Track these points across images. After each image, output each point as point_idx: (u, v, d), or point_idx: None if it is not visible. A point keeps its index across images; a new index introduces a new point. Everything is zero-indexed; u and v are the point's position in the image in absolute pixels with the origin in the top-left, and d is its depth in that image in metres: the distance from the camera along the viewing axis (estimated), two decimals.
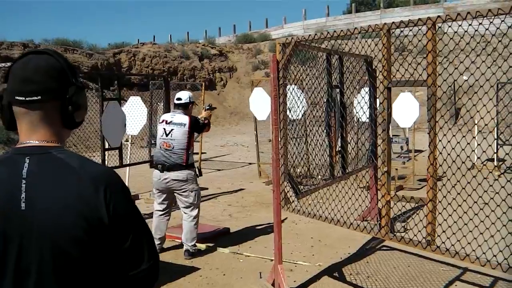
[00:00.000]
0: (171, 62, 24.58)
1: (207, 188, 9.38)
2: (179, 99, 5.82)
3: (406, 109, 8.42)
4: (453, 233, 3.28)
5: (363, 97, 5.59)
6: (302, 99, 6.31)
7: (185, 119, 5.65)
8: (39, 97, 1.41)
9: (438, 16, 3.36)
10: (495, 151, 10.09)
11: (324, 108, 5.42)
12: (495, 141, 10.46)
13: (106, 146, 6.25)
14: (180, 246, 5.83)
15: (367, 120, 5.94)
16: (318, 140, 5.11)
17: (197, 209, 5.68)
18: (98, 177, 1.41)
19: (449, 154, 3.30)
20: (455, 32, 3.21)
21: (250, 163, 12.89)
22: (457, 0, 27.39)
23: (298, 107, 5.32)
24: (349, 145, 5.58)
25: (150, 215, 5.74)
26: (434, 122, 3.43)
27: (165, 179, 5.53)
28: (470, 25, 2.99)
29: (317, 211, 4.43)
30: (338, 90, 5.37)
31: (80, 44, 22.19)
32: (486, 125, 4.90)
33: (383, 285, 4.76)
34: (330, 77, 5.08)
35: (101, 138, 6.26)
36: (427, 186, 3.54)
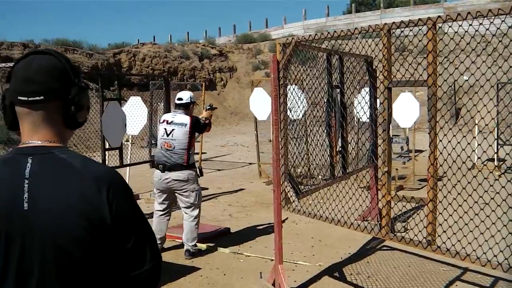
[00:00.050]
0: (171, 62, 24.59)
1: (207, 188, 9.38)
2: (180, 99, 5.82)
3: (407, 109, 8.42)
4: (454, 233, 3.29)
5: (363, 97, 5.59)
6: (303, 99, 6.31)
7: (186, 119, 5.66)
8: (42, 97, 1.41)
9: (439, 16, 3.36)
10: (496, 151, 10.09)
11: (324, 108, 5.43)
12: (496, 141, 10.46)
13: (107, 146, 6.25)
14: (181, 246, 5.83)
15: (368, 120, 5.95)
16: (318, 140, 5.11)
17: (198, 209, 5.68)
18: (100, 177, 1.41)
19: (449, 154, 3.30)
20: (456, 32, 3.21)
21: (250, 163, 12.89)
22: (457, 0, 27.39)
23: (299, 107, 5.33)
24: (349, 145, 5.58)
25: (151, 215, 5.74)
26: (435, 122, 3.43)
27: (166, 179, 5.53)
28: (470, 25, 2.99)
29: (318, 211, 4.43)
30: (338, 90, 5.37)
31: (80, 44, 22.20)
32: (486, 125, 4.91)
33: (383, 285, 4.76)
34: (331, 77, 5.09)
35: (102, 138, 6.27)
36: (427, 186, 3.54)
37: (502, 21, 2.90)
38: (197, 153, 10.35)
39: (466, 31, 3.18)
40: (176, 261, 5.52)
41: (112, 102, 6.30)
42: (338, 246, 5.95)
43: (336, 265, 5.34)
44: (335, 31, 4.21)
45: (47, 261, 1.35)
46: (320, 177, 6.00)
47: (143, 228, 1.50)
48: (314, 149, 5.13)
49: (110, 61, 21.97)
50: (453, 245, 3.31)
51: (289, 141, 4.74)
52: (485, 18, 3.01)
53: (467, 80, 3.60)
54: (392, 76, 3.78)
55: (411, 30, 3.49)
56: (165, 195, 5.68)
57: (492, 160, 10.54)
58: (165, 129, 5.66)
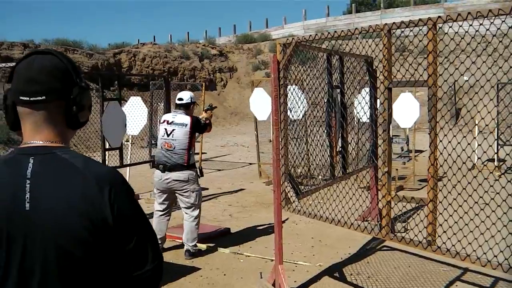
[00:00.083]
0: (171, 62, 24.59)
1: (207, 188, 9.38)
2: (180, 99, 5.82)
3: (407, 109, 8.43)
4: (454, 234, 3.29)
5: (363, 98, 5.59)
6: (303, 100, 6.31)
7: (186, 119, 5.66)
8: (44, 97, 1.40)
9: (439, 17, 3.36)
10: (496, 151, 10.09)
11: (324, 109, 5.43)
12: (496, 141, 10.46)
13: (107, 146, 6.26)
14: (181, 246, 5.83)
15: (368, 121, 5.95)
16: (318, 141, 5.11)
17: (198, 210, 5.68)
18: (102, 177, 1.41)
19: (449, 155, 3.30)
20: (456, 32, 3.21)
21: (250, 163, 12.90)
22: (457, 0, 27.39)
23: (299, 107, 5.33)
24: (349, 145, 5.58)
25: (151, 215, 5.74)
26: (435, 123, 3.43)
27: (167, 179, 5.53)
28: (470, 25, 2.99)
29: (318, 211, 4.43)
30: (338, 90, 5.37)
31: (80, 44, 22.21)
32: (486, 125, 4.90)
33: (383, 285, 4.76)
34: (331, 78, 5.09)
35: (102, 138, 6.27)
36: (427, 186, 3.54)
37: (503, 21, 2.90)
38: (197, 153, 10.35)
39: (466, 32, 3.18)
40: (176, 261, 5.53)
41: (112, 102, 6.31)
42: (338, 246, 5.95)
43: (336, 265, 5.34)
44: (335, 31, 4.21)
45: (48, 261, 1.35)
46: (320, 177, 6.00)
47: (144, 229, 1.50)
48: (314, 149, 5.13)
49: (110, 61, 21.97)
50: (453, 245, 3.31)
51: (289, 141, 4.74)
52: (486, 18, 3.01)
53: (467, 80, 3.60)
54: (392, 77, 3.78)
55: (411, 31, 3.50)
56: (165, 195, 5.68)
57: (492, 160, 10.54)
58: (166, 129, 5.66)
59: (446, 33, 3.18)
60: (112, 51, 23.15)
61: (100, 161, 6.01)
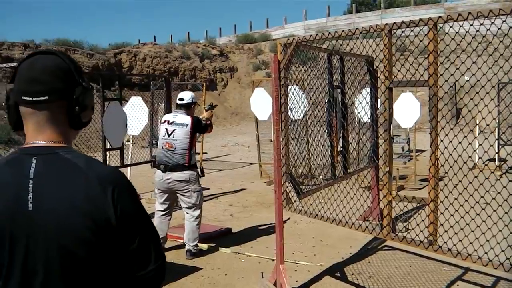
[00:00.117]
0: (172, 62, 24.59)
1: (208, 188, 9.39)
2: (181, 99, 5.82)
3: (407, 109, 8.43)
4: (455, 233, 3.29)
5: (364, 97, 5.59)
6: (304, 99, 6.31)
7: (187, 119, 5.66)
8: (46, 97, 1.40)
9: (440, 17, 3.36)
10: (497, 151, 10.09)
11: (325, 109, 5.43)
12: (497, 141, 10.46)
13: (108, 146, 6.26)
14: (182, 246, 5.84)
15: (369, 120, 5.95)
16: (319, 140, 5.11)
17: (199, 210, 5.69)
18: (105, 177, 1.41)
19: (450, 154, 3.30)
20: (457, 32, 3.22)
21: (251, 163, 12.90)
22: (458, 0, 27.38)
23: (300, 107, 5.33)
24: (350, 145, 5.58)
25: (152, 215, 5.74)
26: (436, 122, 3.44)
27: (168, 179, 5.53)
28: (471, 25, 3.00)
29: (319, 211, 4.44)
30: (339, 90, 5.38)
31: (80, 44, 22.21)
32: (487, 125, 4.92)
33: (385, 285, 4.77)
34: (332, 77, 5.09)
35: (103, 138, 6.27)
36: (429, 186, 3.54)
37: (503, 21, 2.90)
38: (198, 153, 10.36)
39: (467, 31, 3.19)
40: (177, 261, 5.53)
41: (113, 102, 6.31)
42: (339, 246, 5.95)
43: (337, 265, 5.34)
44: (336, 31, 4.22)
45: (51, 261, 1.35)
46: (321, 177, 6.00)
47: (147, 229, 1.50)
48: (315, 149, 5.14)
49: (111, 61, 21.97)
50: (454, 245, 3.32)
51: (290, 141, 4.75)
52: (486, 18, 3.01)
53: (468, 80, 3.61)
54: (393, 76, 3.79)
55: (412, 30, 3.50)
56: (166, 195, 5.68)
57: (493, 160, 10.53)
58: (166, 129, 5.67)
59: (447, 33, 3.19)
60: (113, 51, 23.15)
61: (101, 161, 6.02)
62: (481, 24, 3.00)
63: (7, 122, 1.49)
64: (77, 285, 1.38)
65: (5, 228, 1.35)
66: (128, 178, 1.53)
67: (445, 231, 3.36)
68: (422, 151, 12.83)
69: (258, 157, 11.24)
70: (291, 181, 4.55)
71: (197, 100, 6.07)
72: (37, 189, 1.37)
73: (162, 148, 5.64)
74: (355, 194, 4.29)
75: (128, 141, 9.62)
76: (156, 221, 5.68)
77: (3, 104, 1.52)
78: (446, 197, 3.36)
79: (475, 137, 9.89)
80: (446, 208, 3.34)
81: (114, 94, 15.33)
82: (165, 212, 5.71)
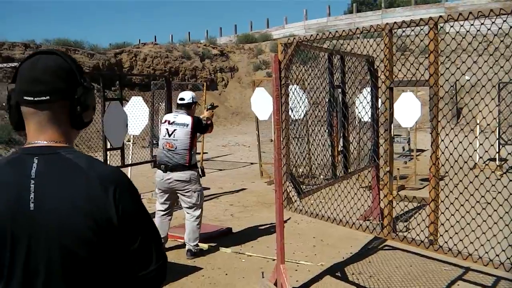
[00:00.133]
0: (173, 62, 24.59)
1: (209, 188, 9.39)
2: (182, 99, 5.82)
3: (408, 109, 8.43)
4: (456, 233, 3.29)
5: (365, 97, 5.59)
6: (304, 99, 6.32)
7: (187, 119, 5.66)
8: (48, 97, 1.41)
9: (440, 16, 3.36)
10: (497, 150, 10.09)
11: (326, 108, 5.43)
12: (497, 140, 10.46)
13: (108, 146, 6.26)
14: (183, 246, 5.84)
15: (369, 120, 5.95)
16: (320, 140, 5.11)
17: (200, 209, 5.69)
18: (107, 177, 1.41)
19: (451, 154, 3.30)
20: (457, 32, 3.21)
21: (251, 163, 12.90)
22: (458, 0, 27.36)
23: (300, 107, 5.34)
24: (351, 145, 5.58)
25: (152, 215, 5.74)
26: (436, 122, 3.44)
27: (168, 179, 5.54)
28: (472, 25, 3.00)
29: (319, 211, 4.44)
30: (340, 90, 5.38)
31: (81, 44, 22.21)
32: (488, 124, 4.91)
33: (385, 284, 4.76)
34: (332, 77, 5.09)
35: (103, 138, 6.28)
36: (429, 185, 3.54)
37: (504, 20, 2.90)
38: (199, 153, 10.36)
39: (467, 31, 3.19)
40: (178, 261, 5.53)
41: (114, 102, 6.31)
42: (340, 246, 5.95)
43: (338, 264, 5.35)
44: (336, 31, 4.22)
45: (53, 262, 1.35)
46: (321, 177, 6.00)
47: (149, 229, 1.50)
48: (315, 149, 5.14)
49: (111, 61, 21.97)
50: (455, 244, 3.32)
51: (290, 141, 4.75)
52: (487, 18, 3.01)
53: (468, 79, 3.61)
54: (393, 76, 3.79)
55: (412, 30, 3.50)
56: (167, 195, 5.68)
57: (493, 159, 10.53)
58: (167, 129, 5.67)
59: (448, 32, 3.18)
60: (113, 51, 23.15)
61: (103, 161, 6.03)
62: (482, 23, 3.00)
63: (8, 122, 1.50)
64: (78, 285, 1.38)
65: (7, 228, 1.35)
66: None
67: (446, 231, 3.36)
68: (422, 150, 12.83)
69: (259, 157, 11.24)
70: (292, 180, 4.55)
71: (197, 100, 6.07)
72: (38, 189, 1.37)
73: (163, 148, 5.64)
74: (355, 193, 4.29)
75: (129, 141, 9.62)
76: (156, 221, 5.68)
77: (4, 104, 1.52)
78: (446, 196, 3.36)
79: (476, 137, 9.90)
80: (446, 208, 3.34)
81: (115, 94, 15.34)
82: (165, 212, 5.71)
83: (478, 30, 3.12)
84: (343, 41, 4.42)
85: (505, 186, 3.02)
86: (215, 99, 22.26)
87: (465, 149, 3.19)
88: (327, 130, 5.39)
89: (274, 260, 5.11)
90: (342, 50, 5.48)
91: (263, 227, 6.87)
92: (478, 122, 10.33)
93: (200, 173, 5.95)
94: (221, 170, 12.24)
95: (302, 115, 6.98)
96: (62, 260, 1.35)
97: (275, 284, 4.53)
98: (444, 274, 4.93)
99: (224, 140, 18.35)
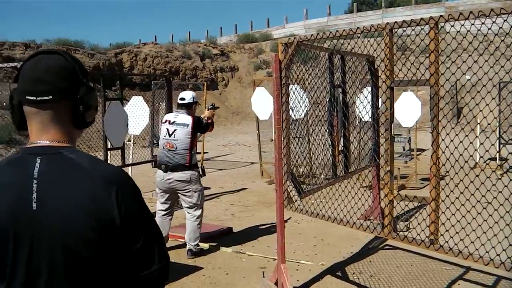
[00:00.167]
0: (173, 62, 24.59)
1: (209, 188, 9.39)
2: (182, 99, 5.82)
3: (408, 108, 8.43)
4: (456, 232, 3.29)
5: (365, 97, 5.59)
6: (305, 99, 6.32)
7: (188, 119, 5.66)
8: (50, 97, 1.40)
9: (441, 16, 3.36)
10: (498, 150, 10.09)
11: (326, 108, 5.43)
12: (498, 140, 10.46)
13: (109, 146, 6.27)
14: (183, 245, 5.84)
15: (370, 120, 5.95)
16: (320, 140, 5.11)
17: (200, 209, 5.69)
18: (110, 177, 1.41)
19: (451, 153, 3.30)
20: (458, 31, 3.21)
21: (252, 163, 12.90)
22: None
23: (301, 106, 5.34)
24: (351, 144, 5.58)
25: (153, 215, 5.74)
26: (437, 121, 3.44)
27: (169, 179, 5.54)
28: (472, 24, 2.99)
29: (320, 210, 4.44)
30: (340, 89, 5.38)
31: (81, 44, 22.21)
32: (489, 124, 4.92)
33: (386, 284, 4.77)
34: (333, 77, 5.09)
35: (104, 138, 6.28)
36: (430, 185, 3.54)
37: (505, 20, 2.90)
38: (199, 153, 10.35)
39: (468, 31, 3.18)
40: (178, 260, 5.53)
41: (114, 102, 6.31)
42: (341, 245, 5.95)
43: (339, 264, 5.35)
44: (337, 31, 4.22)
45: (55, 261, 1.35)
46: (322, 176, 6.00)
47: (152, 229, 1.50)
48: (316, 149, 5.14)
49: (112, 61, 21.98)
50: (455, 244, 3.32)
51: (291, 141, 4.75)
52: (487, 17, 3.01)
53: (469, 79, 3.60)
54: (394, 76, 3.78)
55: (413, 30, 3.49)
56: (167, 195, 5.68)
57: (494, 159, 10.53)
58: (167, 129, 5.67)
59: (448, 32, 3.18)
60: (114, 51, 23.15)
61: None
62: (483, 23, 3.00)
63: (8, 122, 1.50)
64: (81, 285, 1.38)
65: (9, 228, 1.35)
66: None
67: (446, 230, 3.36)
68: (423, 150, 12.82)
69: (259, 157, 11.24)
70: (292, 180, 4.55)
71: (198, 100, 6.07)
72: (41, 189, 1.37)
73: (163, 148, 5.64)
74: (356, 193, 4.29)
75: (129, 140, 9.62)
76: (157, 220, 5.66)
77: (4, 104, 1.52)
78: (447, 196, 3.36)
79: (476, 136, 9.89)
80: (447, 207, 3.34)
81: (115, 94, 15.34)
82: (166, 211, 5.72)
83: (478, 30, 3.12)
84: (344, 40, 4.41)
85: (505, 186, 3.03)
86: (216, 99, 22.27)
87: (465, 149, 3.19)
88: (327, 130, 5.39)
89: (274, 259, 5.11)
90: (342, 49, 5.48)
91: (263, 227, 6.87)
92: (478, 121, 10.33)
93: (201, 173, 5.95)
94: (221, 169, 12.24)
95: (303, 114, 6.98)
96: (64, 260, 1.35)
97: (276, 283, 4.53)
98: (444, 274, 4.93)
99: (225, 139, 18.35)
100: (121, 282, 1.45)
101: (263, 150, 11.31)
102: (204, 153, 12.04)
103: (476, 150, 9.55)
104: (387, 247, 5.82)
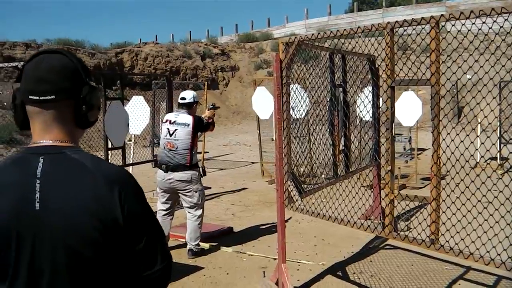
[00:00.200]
0: (174, 61, 24.58)
1: (210, 188, 9.40)
2: (183, 98, 5.82)
3: (409, 108, 8.41)
4: (457, 232, 3.29)
5: (366, 96, 5.58)
6: (305, 98, 6.31)
7: (188, 119, 5.66)
8: (53, 97, 1.41)
9: (442, 15, 3.36)
10: (499, 149, 10.08)
11: (327, 107, 5.42)
12: (498, 139, 10.46)
13: (109, 146, 6.26)
14: (184, 245, 5.84)
15: (371, 119, 5.94)
16: (321, 139, 5.11)
17: (201, 209, 5.69)
18: (112, 177, 1.41)
19: (452, 153, 3.30)
20: (459, 31, 3.21)
21: (252, 162, 12.90)
22: None
23: (301, 106, 5.33)
24: (352, 144, 5.58)
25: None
26: (438, 121, 3.43)
27: (169, 179, 5.54)
28: (473, 24, 2.99)
29: (321, 210, 4.44)
30: (341, 89, 5.37)
31: (82, 44, 22.21)
32: (489, 123, 4.91)
33: (386, 284, 4.76)
34: (333, 76, 5.09)
35: (104, 137, 6.28)
36: (430, 184, 3.54)
37: (505, 19, 2.90)
38: (200, 153, 10.35)
39: (469, 30, 3.19)
40: (179, 260, 5.53)
41: (115, 102, 6.31)
42: (341, 245, 5.95)
43: (339, 264, 5.35)
44: (337, 30, 4.22)
45: (58, 261, 1.35)
46: (323, 176, 6.00)
47: (154, 229, 1.50)
48: (317, 148, 5.13)
49: (112, 61, 21.98)
50: (456, 243, 3.31)
51: (292, 140, 4.75)
52: (488, 16, 3.01)
53: (470, 78, 3.60)
54: (395, 75, 3.78)
55: (414, 29, 3.49)
56: (168, 195, 5.68)
57: (495, 158, 10.52)
58: (168, 129, 5.67)
59: (449, 31, 3.18)
60: (114, 50, 23.15)
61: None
62: (483, 22, 2.99)
63: (9, 122, 1.50)
64: (83, 285, 1.38)
65: (12, 228, 1.35)
66: None
67: (447, 230, 3.36)
68: (423, 149, 12.82)
69: (260, 156, 11.24)
70: (293, 180, 4.55)
71: (198, 99, 6.07)
72: (44, 188, 1.37)
73: (164, 148, 5.64)
74: (357, 193, 4.29)
75: (130, 140, 9.62)
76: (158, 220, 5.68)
77: (5, 103, 1.52)
78: (448, 195, 3.36)
79: (477, 136, 9.89)
80: (448, 207, 3.34)
81: (116, 94, 15.31)
82: (167, 211, 5.72)
83: (479, 29, 3.11)
84: (344, 40, 4.41)
85: (506, 185, 3.02)
86: (216, 99, 22.27)
87: (466, 148, 3.19)
88: (328, 129, 5.38)
89: (275, 259, 5.11)
90: (343, 49, 5.48)
91: (264, 227, 6.87)
92: (479, 121, 10.33)
93: (201, 172, 5.96)
94: (222, 169, 12.24)
95: (304, 114, 6.96)
96: (67, 260, 1.35)
97: (277, 283, 4.53)
98: (445, 273, 4.93)
99: (225, 139, 18.35)
100: (124, 282, 1.45)
101: (264, 150, 11.31)
102: (205, 152, 12.04)
103: (477, 149, 9.54)
104: (387, 246, 5.82)
